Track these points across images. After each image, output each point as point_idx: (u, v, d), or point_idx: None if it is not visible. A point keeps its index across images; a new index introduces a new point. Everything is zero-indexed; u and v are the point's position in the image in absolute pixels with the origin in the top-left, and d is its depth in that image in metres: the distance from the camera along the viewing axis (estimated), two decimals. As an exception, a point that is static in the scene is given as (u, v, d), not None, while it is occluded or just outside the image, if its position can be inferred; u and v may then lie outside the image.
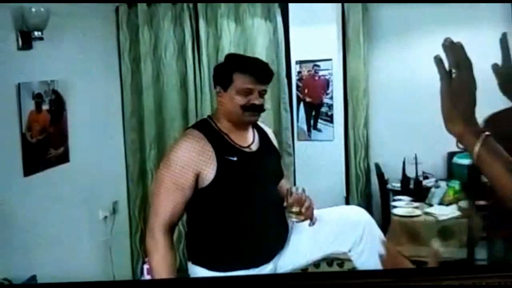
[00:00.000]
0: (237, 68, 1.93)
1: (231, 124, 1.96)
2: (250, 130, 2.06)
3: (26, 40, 2.94)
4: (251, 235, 1.96)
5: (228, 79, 1.92)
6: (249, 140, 2.03)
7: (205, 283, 1.69)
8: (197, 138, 1.89)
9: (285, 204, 1.96)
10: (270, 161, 2.08)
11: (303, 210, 1.93)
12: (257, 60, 2.08)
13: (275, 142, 2.18)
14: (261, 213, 1.97)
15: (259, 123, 2.12)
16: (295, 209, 1.94)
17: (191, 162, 1.85)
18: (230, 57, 2.07)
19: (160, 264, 1.86)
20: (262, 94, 1.94)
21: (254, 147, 2.02)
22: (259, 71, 1.94)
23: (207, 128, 1.94)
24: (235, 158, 1.91)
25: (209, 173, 1.86)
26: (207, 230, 1.96)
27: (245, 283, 1.56)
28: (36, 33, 2.93)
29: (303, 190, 2.00)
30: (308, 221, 1.99)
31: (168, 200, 1.86)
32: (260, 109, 1.95)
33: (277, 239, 2.06)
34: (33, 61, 3.02)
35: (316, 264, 2.91)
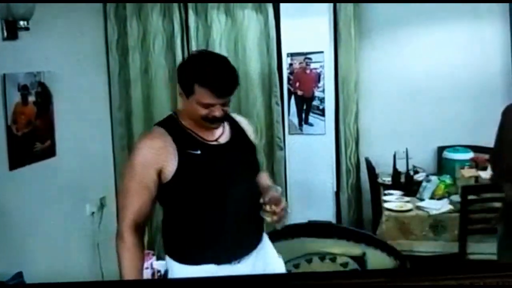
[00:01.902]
0: (197, 79, 1.84)
1: (194, 123, 1.94)
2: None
3: (12, 30, 2.86)
4: (217, 229, 1.92)
5: (189, 88, 1.86)
6: (217, 133, 1.97)
7: (193, 283, 1.66)
8: (157, 135, 1.90)
9: (261, 200, 1.89)
10: (241, 154, 2.00)
11: (277, 210, 1.87)
12: (219, 71, 1.85)
13: (250, 133, 2.10)
14: (230, 207, 1.91)
15: (233, 114, 2.07)
16: (269, 208, 1.87)
17: (152, 160, 1.86)
18: (193, 61, 1.94)
19: (129, 265, 1.86)
20: (224, 105, 1.88)
21: (222, 140, 1.97)
22: (220, 86, 1.84)
23: (171, 124, 1.94)
24: (198, 152, 1.89)
25: (170, 168, 1.86)
26: (176, 223, 1.97)
27: (243, 283, 1.54)
28: (21, 23, 2.86)
29: (280, 192, 1.95)
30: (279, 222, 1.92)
31: (133, 200, 1.87)
32: (221, 119, 1.92)
33: (250, 236, 1.99)
34: (18, 52, 2.95)
35: (308, 259, 2.90)
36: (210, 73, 1.83)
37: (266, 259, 2.05)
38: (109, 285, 1.74)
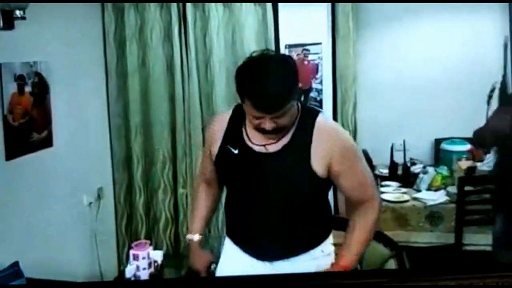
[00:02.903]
0: (245, 92, 1.77)
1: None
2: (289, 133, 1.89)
3: (8, 20, 2.83)
4: (246, 225, 1.98)
5: (241, 96, 1.81)
6: (281, 140, 1.87)
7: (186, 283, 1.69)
8: (221, 118, 2.02)
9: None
10: (281, 168, 1.86)
11: None
12: (265, 90, 1.72)
13: (322, 148, 1.83)
14: (255, 213, 1.93)
15: (322, 117, 1.88)
16: None
17: (208, 137, 2.06)
18: (245, 68, 1.80)
19: (197, 203, 2.19)
20: (274, 118, 1.76)
21: (272, 149, 1.87)
22: (262, 103, 1.74)
23: (238, 113, 1.96)
24: (236, 151, 1.91)
25: (213, 152, 1.99)
26: (226, 202, 2.10)
27: (244, 283, 1.55)
28: (18, 12, 2.83)
29: None
30: None
31: (202, 161, 2.19)
32: (273, 132, 1.80)
33: (281, 243, 1.96)
34: (15, 42, 2.92)
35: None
36: (256, 88, 1.73)
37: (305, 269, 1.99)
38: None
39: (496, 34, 4.31)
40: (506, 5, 4.15)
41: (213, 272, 2.07)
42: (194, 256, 2.15)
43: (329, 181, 1.90)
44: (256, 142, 1.89)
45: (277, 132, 1.82)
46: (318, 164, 1.82)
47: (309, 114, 1.88)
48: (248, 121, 1.87)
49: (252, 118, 1.80)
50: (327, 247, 2.06)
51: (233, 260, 2.05)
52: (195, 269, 2.13)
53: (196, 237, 2.14)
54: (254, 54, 1.82)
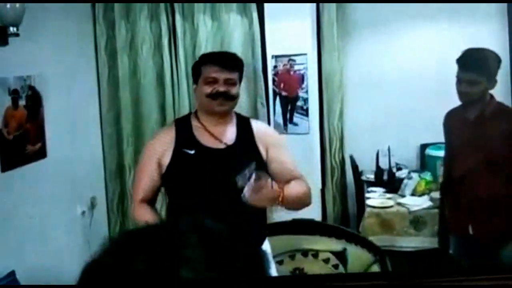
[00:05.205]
0: (204, 61, 2.11)
1: (208, 117, 2.09)
2: (232, 126, 2.12)
3: (2, 36, 2.92)
4: None
5: (197, 73, 2.09)
6: (228, 136, 2.08)
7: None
8: (166, 130, 2.17)
9: (244, 182, 1.94)
10: (237, 161, 2.02)
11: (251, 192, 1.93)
12: (222, 52, 2.32)
13: (262, 140, 2.12)
14: (216, 213, 1.97)
15: (253, 120, 2.19)
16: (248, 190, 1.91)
17: (154, 150, 2.12)
18: (202, 55, 2.24)
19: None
20: (227, 82, 2.05)
21: (227, 141, 2.09)
22: (222, 59, 2.10)
23: (183, 122, 2.16)
24: (192, 152, 2.04)
25: (165, 162, 2.08)
26: (169, 212, 2.18)
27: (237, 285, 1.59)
28: (11, 29, 2.91)
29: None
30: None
31: (138, 181, 2.18)
32: (225, 96, 2.05)
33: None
34: (8, 57, 3.01)
35: (291, 255, 3.00)
36: (215, 53, 2.40)
37: None
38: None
39: (491, 43, 4.39)
40: (504, 15, 4.20)
41: None
42: None
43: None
44: (209, 140, 2.08)
45: (229, 99, 2.06)
46: (263, 150, 2.12)
47: (243, 118, 2.21)
48: (201, 105, 2.09)
49: (207, 87, 2.03)
50: (267, 246, 2.20)
51: None
52: None
53: None
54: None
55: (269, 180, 1.97)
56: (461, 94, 2.64)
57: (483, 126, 2.60)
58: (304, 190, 2.14)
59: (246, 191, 1.91)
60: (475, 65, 2.58)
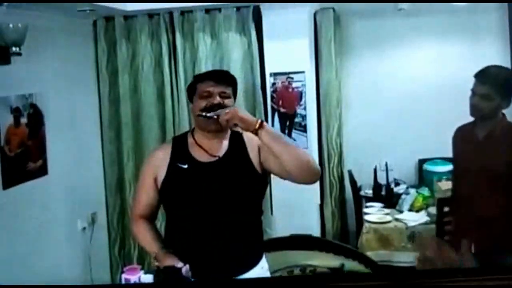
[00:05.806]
0: (198, 79, 2.15)
1: (204, 133, 2.13)
2: (225, 140, 2.15)
3: (4, 56, 2.97)
4: (197, 243, 2.03)
5: (193, 91, 2.15)
6: (220, 150, 2.12)
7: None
8: (164, 146, 2.22)
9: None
10: (233, 174, 2.08)
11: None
12: (216, 70, 2.46)
13: (252, 146, 2.14)
14: (211, 226, 2.02)
15: (246, 133, 2.13)
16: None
17: (150, 167, 2.16)
18: (195, 75, 2.28)
19: (143, 239, 2.16)
20: (222, 95, 2.08)
21: (219, 154, 2.12)
22: (215, 74, 2.17)
23: (180, 138, 2.22)
24: (185, 166, 2.09)
25: (160, 177, 2.11)
26: (168, 229, 2.18)
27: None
28: (14, 49, 2.96)
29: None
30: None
31: (137, 197, 2.21)
32: (220, 107, 2.07)
33: (234, 258, 2.04)
34: (11, 76, 3.06)
35: (289, 271, 3.02)
36: (209, 71, 2.52)
37: None
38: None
39: (485, 61, 4.42)
40: (506, 33, 4.23)
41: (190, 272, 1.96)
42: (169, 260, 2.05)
43: (264, 178, 2.16)
44: (202, 155, 2.12)
45: (222, 107, 2.07)
46: (254, 160, 2.13)
47: (236, 132, 2.20)
48: (197, 122, 2.12)
49: (202, 101, 2.07)
50: (265, 263, 2.19)
51: None
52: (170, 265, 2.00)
53: (180, 264, 1.94)
54: None
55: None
56: (473, 108, 2.58)
57: (492, 144, 2.57)
58: (304, 151, 2.11)
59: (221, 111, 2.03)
60: (492, 80, 2.53)
